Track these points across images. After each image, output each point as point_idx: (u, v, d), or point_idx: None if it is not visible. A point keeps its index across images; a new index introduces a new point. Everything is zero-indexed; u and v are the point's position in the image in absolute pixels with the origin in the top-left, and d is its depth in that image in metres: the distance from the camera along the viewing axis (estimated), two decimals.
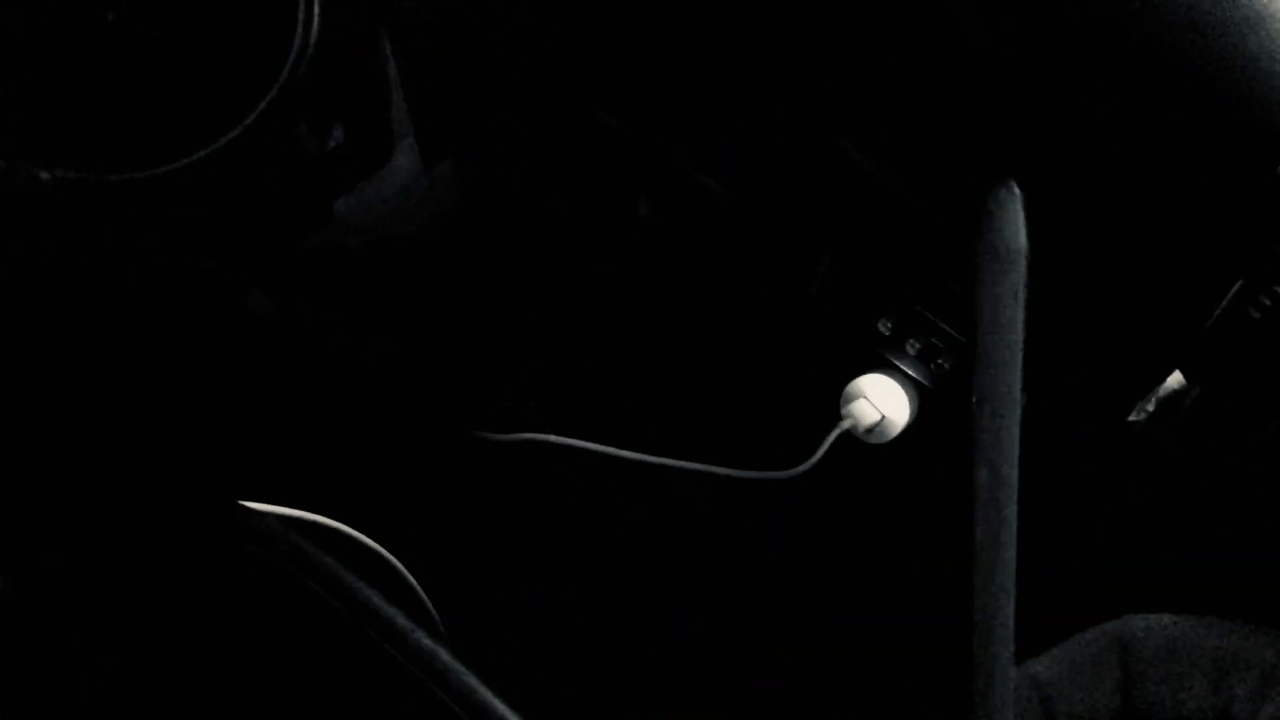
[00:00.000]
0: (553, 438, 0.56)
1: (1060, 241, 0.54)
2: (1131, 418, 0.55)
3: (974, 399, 0.30)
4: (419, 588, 0.55)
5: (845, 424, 0.57)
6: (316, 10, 0.51)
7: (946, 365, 0.56)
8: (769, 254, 0.61)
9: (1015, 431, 0.31)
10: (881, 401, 0.57)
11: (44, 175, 0.46)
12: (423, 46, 0.57)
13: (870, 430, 0.58)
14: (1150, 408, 0.55)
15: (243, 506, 0.47)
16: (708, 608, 0.54)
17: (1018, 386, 0.31)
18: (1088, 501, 0.57)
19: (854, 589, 0.59)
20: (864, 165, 0.55)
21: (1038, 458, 0.57)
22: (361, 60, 0.56)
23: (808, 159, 0.59)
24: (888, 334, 0.57)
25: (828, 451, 0.57)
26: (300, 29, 0.51)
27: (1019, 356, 0.30)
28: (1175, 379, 0.55)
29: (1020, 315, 0.30)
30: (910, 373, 0.57)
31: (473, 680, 0.48)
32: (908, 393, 0.57)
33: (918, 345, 0.56)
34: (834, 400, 0.58)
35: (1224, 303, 0.50)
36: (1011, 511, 0.31)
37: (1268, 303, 0.49)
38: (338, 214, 0.59)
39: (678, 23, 0.56)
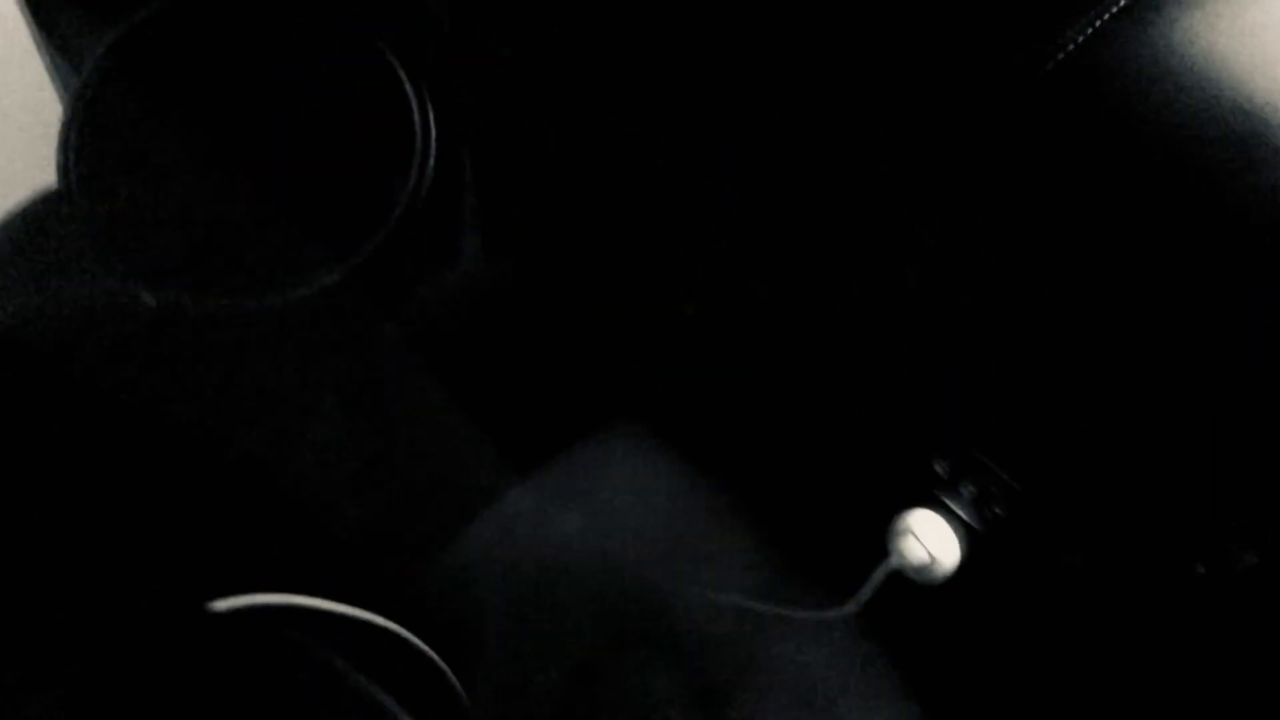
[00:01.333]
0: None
1: (1133, 395, 0.53)
2: (1197, 569, 0.54)
3: None
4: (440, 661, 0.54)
5: (893, 561, 0.56)
6: (434, 141, 0.52)
7: (1001, 513, 0.55)
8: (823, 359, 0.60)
9: None
10: (930, 541, 0.56)
11: (148, 297, 0.47)
12: (492, 150, 0.58)
13: (919, 569, 0.56)
14: (1210, 563, 0.54)
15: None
16: None
17: None
18: (1149, 644, 0.55)
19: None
20: (931, 301, 0.55)
21: (1104, 602, 0.56)
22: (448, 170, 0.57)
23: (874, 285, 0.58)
24: (944, 475, 0.56)
25: (874, 585, 0.56)
26: (416, 166, 0.52)
27: None
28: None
29: None
30: (963, 516, 0.56)
31: None
32: (958, 535, 0.56)
33: (973, 489, 0.55)
34: (882, 535, 0.57)
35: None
36: None
37: None
38: (421, 296, 0.59)
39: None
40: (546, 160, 0.58)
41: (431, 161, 0.49)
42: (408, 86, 0.50)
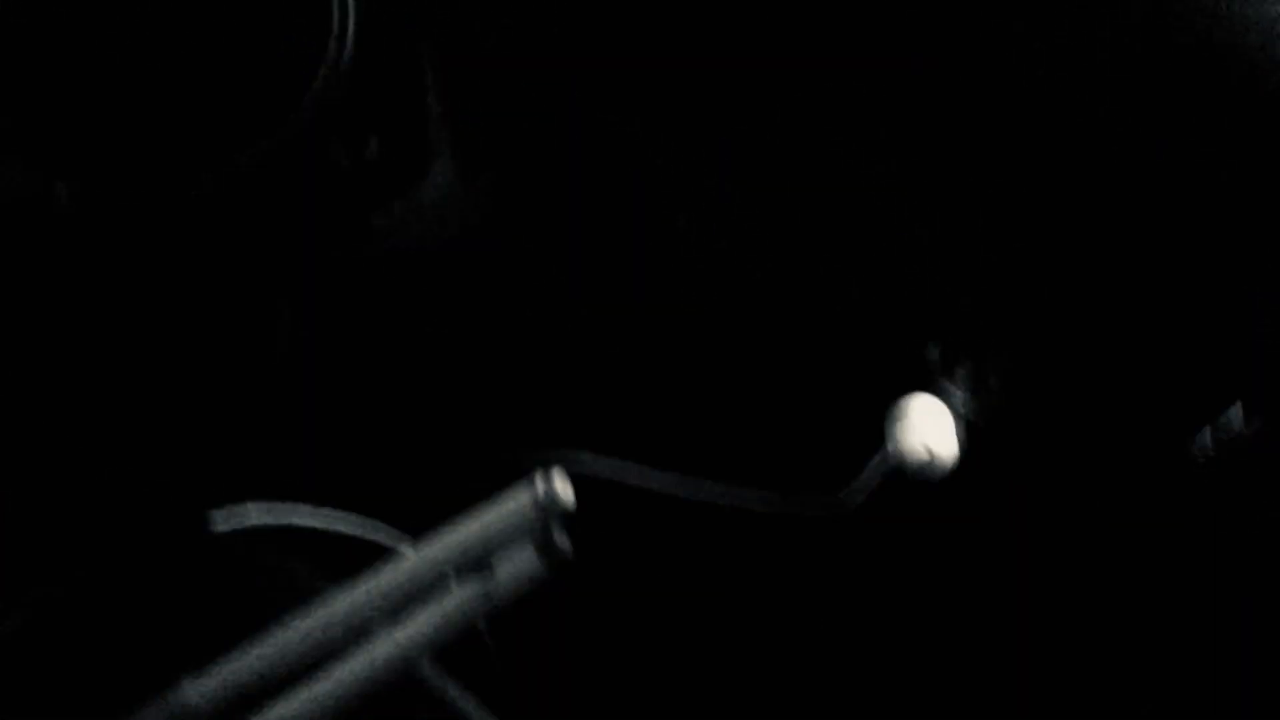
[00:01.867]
0: (586, 456, 0.54)
1: (1128, 272, 0.53)
2: (1194, 448, 0.53)
3: None
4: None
5: (890, 452, 0.55)
6: (351, 21, 0.51)
7: (997, 395, 0.54)
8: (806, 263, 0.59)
9: None
10: (928, 433, 0.55)
11: (61, 189, 0.45)
12: (465, 59, 0.57)
13: (916, 464, 0.55)
14: (1211, 439, 0.53)
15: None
16: (741, 632, 0.51)
17: None
18: (1149, 530, 0.54)
19: (892, 617, 0.55)
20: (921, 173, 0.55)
21: (1103, 487, 0.54)
22: (398, 72, 0.56)
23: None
24: (937, 362, 0.55)
25: (872, 478, 0.54)
26: (334, 40, 0.51)
27: None
28: (1236, 411, 0.53)
29: None
30: (958, 403, 0.55)
31: None
32: (956, 425, 0.55)
33: (967, 374, 0.54)
34: (878, 428, 0.56)
35: None
36: None
37: None
38: (375, 226, 0.58)
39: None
40: (532, 60, 0.57)
41: (349, 42, 0.47)
42: None
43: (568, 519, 0.42)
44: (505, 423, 0.58)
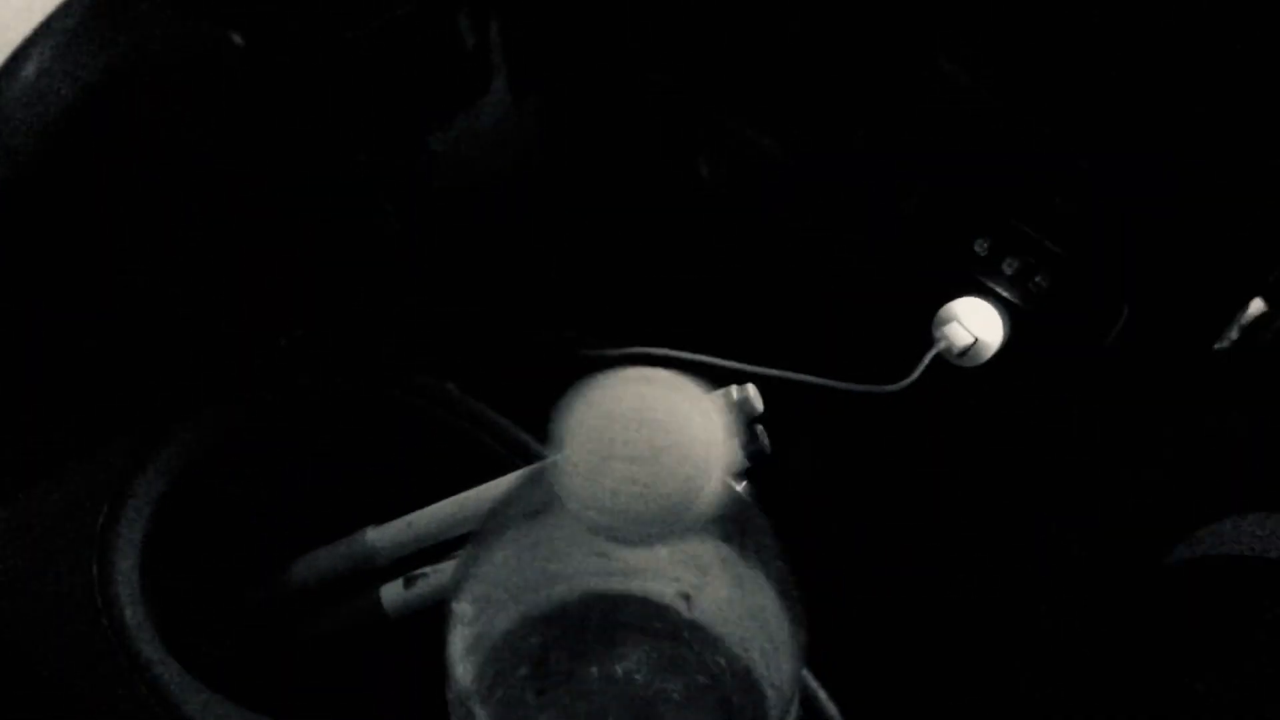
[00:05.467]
0: (658, 350, 0.56)
1: (1145, 165, 0.55)
2: (1217, 345, 0.56)
3: None
4: None
5: (939, 346, 0.58)
6: None
7: (1044, 283, 0.56)
8: (857, 185, 0.61)
9: None
10: (974, 325, 0.58)
11: (236, 39, 0.46)
12: None
13: (963, 353, 0.58)
14: (1235, 335, 0.56)
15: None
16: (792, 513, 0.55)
17: None
18: (1170, 425, 0.57)
19: (937, 510, 0.59)
20: (966, 82, 0.56)
21: (1126, 381, 0.58)
22: None
23: (896, 85, 0.60)
24: (984, 254, 0.57)
25: (919, 372, 0.57)
26: None
27: None
28: (1258, 305, 0.56)
29: None
30: (1005, 294, 0.57)
31: None
32: (1001, 315, 0.58)
33: (1015, 264, 0.57)
34: (927, 323, 0.59)
35: None
36: None
37: None
38: (434, 149, 0.58)
39: None
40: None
41: None
42: None
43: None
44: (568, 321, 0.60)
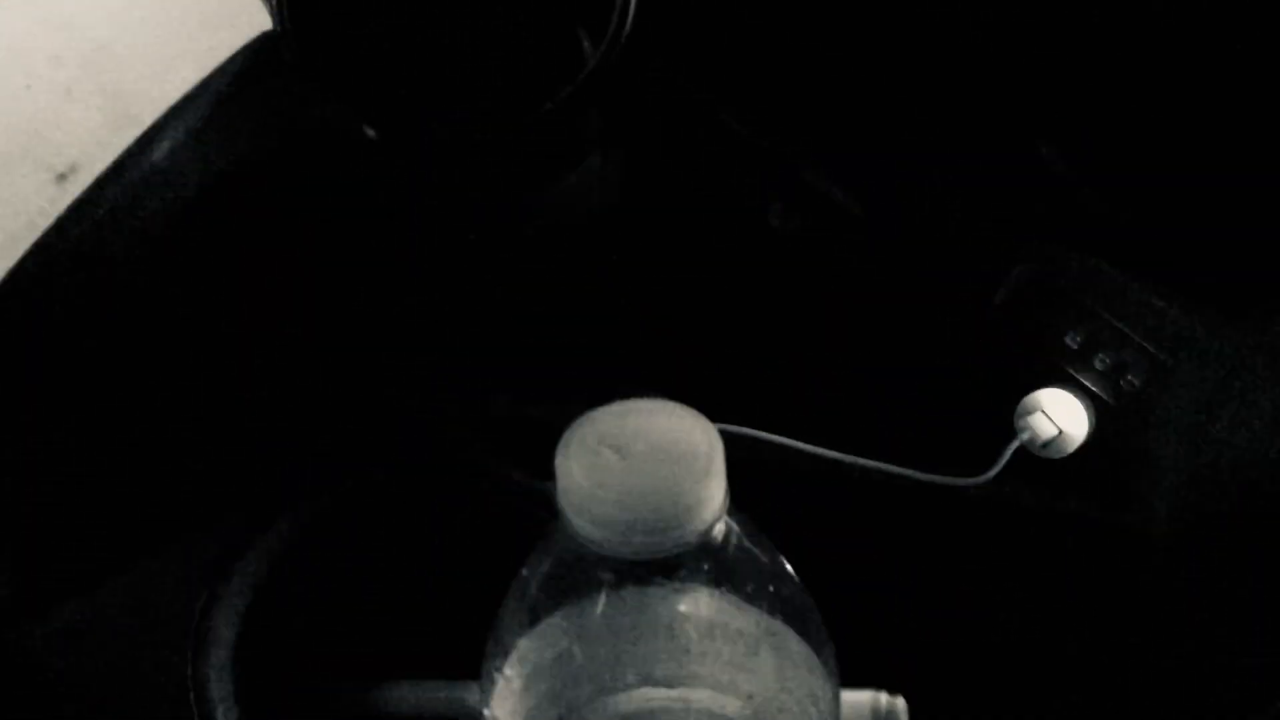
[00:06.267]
0: (731, 428, 0.56)
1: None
2: None
3: None
4: None
5: (1023, 436, 0.57)
6: (632, 5, 0.52)
7: (1136, 382, 0.55)
8: (947, 261, 0.60)
9: None
10: (1059, 415, 0.57)
11: (370, 133, 0.46)
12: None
13: (1046, 445, 0.57)
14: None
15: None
16: (866, 601, 0.54)
17: None
18: None
19: (1015, 601, 0.58)
20: (1063, 171, 0.55)
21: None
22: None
23: (996, 167, 0.58)
24: (1075, 348, 0.56)
25: (1002, 463, 0.56)
26: (616, 17, 0.52)
27: None
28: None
29: None
30: (1094, 389, 0.56)
31: None
32: (1086, 409, 0.57)
33: (1107, 361, 0.55)
34: (1009, 413, 0.57)
35: None
36: None
37: None
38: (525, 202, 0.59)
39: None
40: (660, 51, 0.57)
41: (629, 21, 0.48)
42: None
43: None
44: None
